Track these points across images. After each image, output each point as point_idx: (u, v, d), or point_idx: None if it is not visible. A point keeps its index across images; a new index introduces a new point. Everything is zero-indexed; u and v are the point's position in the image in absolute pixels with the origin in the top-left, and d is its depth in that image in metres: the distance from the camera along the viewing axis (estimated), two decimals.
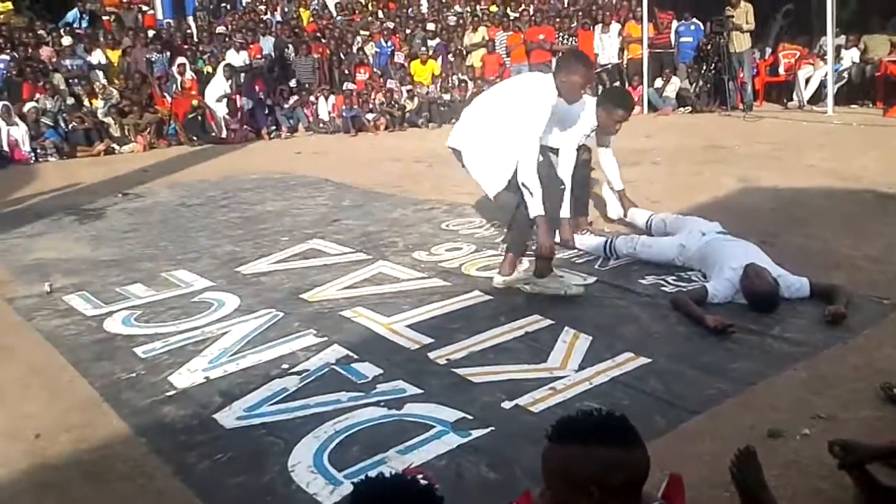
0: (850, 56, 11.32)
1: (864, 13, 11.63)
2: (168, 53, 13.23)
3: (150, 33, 13.88)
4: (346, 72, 13.63)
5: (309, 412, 3.03)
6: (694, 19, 12.48)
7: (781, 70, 12.08)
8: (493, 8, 15.42)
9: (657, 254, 4.55)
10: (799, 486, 2.37)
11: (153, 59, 12.97)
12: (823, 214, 4.42)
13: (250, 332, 3.89)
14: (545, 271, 4.18)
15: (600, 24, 13.22)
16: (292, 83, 13.31)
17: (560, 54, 5.14)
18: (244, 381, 3.35)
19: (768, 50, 12.55)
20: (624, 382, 3.16)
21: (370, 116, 12.70)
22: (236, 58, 13.04)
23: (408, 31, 14.55)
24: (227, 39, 13.74)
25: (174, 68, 12.88)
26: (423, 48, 14.00)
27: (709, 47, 11.90)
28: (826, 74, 10.86)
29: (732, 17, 11.49)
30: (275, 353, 3.62)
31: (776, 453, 2.53)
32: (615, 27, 13.14)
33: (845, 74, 11.29)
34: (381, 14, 15.48)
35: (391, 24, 14.60)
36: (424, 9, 16.08)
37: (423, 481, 1.51)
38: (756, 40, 11.92)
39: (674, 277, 4.31)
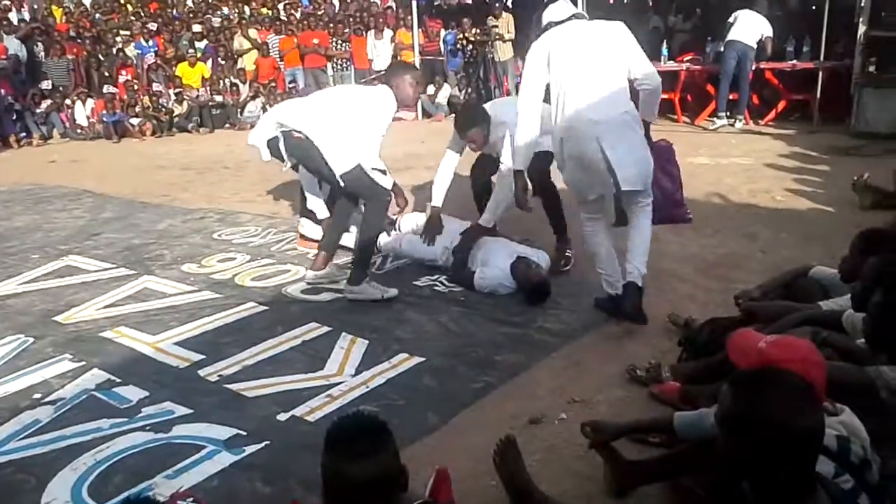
0: None
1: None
2: None
3: None
4: (107, 74, 12.72)
5: (65, 444, 2.82)
6: (457, 29, 12.98)
7: None
8: (265, 10, 15.11)
9: (422, 251, 4.69)
10: (557, 468, 2.55)
11: None
12: None
13: None
14: (360, 279, 4.18)
15: (373, 31, 13.39)
16: (45, 85, 12.20)
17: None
18: None
19: None
20: (399, 383, 3.24)
21: (135, 121, 11.95)
22: None
23: (173, 32, 13.85)
24: None
25: None
26: (191, 50, 13.41)
27: (474, 56, 12.44)
28: None
29: (496, 27, 12.11)
30: (24, 383, 3.33)
31: (537, 438, 2.71)
32: (388, 34, 13.36)
33: None
34: (142, 14, 14.60)
35: (154, 25, 13.83)
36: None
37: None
38: (518, 49, 12.64)
39: (445, 278, 4.47)
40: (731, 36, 9.18)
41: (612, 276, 3.80)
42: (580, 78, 3.55)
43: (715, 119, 9.61)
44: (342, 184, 4.14)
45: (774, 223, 5.28)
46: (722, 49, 9.48)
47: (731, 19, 9.27)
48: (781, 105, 9.72)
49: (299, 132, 4.16)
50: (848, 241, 3.11)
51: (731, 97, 9.57)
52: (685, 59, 10.58)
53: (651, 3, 13.65)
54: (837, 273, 3.10)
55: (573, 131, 3.56)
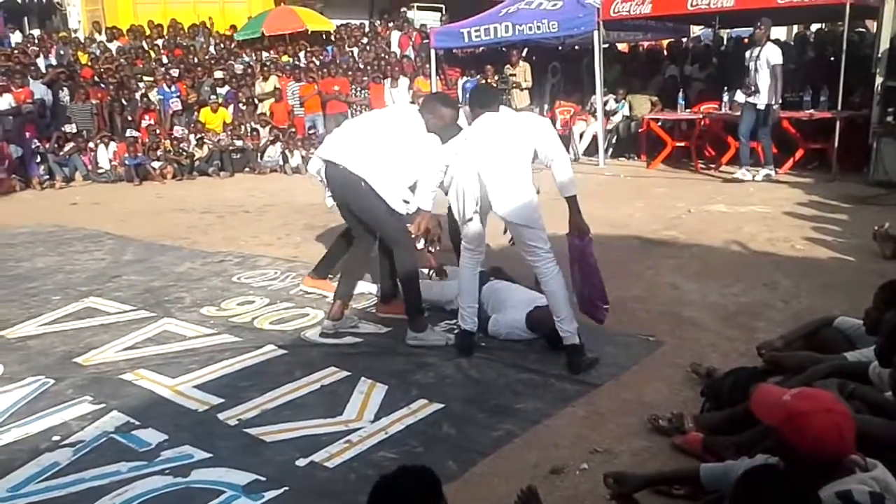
0: (620, 113, 12.44)
1: (627, 75, 12.83)
2: None
3: None
4: (130, 118, 12.95)
5: (84, 487, 2.81)
6: (479, 76, 13.18)
7: (558, 125, 13.01)
8: (285, 58, 15.40)
9: (438, 295, 4.69)
10: None
11: None
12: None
13: (15, 403, 3.55)
14: (422, 325, 4.19)
15: (389, 79, 13.61)
16: (68, 128, 12.42)
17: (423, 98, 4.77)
18: (7, 457, 3.05)
19: (546, 107, 13.50)
20: (418, 429, 3.21)
21: (156, 165, 12.13)
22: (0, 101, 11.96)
23: (195, 78, 14.11)
24: None
25: None
26: (213, 96, 13.66)
27: None
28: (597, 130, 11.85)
29: (514, 75, 12.28)
30: (44, 425, 3.32)
31: (558, 489, 2.67)
32: (404, 81, 13.57)
33: (614, 129, 12.37)
34: (165, 60, 14.89)
35: (176, 71, 14.09)
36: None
37: None
38: (534, 98, 12.79)
39: None
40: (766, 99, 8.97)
41: (467, 312, 4.03)
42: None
43: (760, 170, 9.31)
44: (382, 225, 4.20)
45: (795, 272, 5.25)
46: (746, 100, 9.32)
47: (749, 64, 9.03)
48: (799, 154, 9.71)
49: (353, 172, 4.10)
50: (870, 291, 3.09)
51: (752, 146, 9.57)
52: (701, 108, 10.67)
53: (667, 53, 13.83)
54: (862, 324, 3.07)
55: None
